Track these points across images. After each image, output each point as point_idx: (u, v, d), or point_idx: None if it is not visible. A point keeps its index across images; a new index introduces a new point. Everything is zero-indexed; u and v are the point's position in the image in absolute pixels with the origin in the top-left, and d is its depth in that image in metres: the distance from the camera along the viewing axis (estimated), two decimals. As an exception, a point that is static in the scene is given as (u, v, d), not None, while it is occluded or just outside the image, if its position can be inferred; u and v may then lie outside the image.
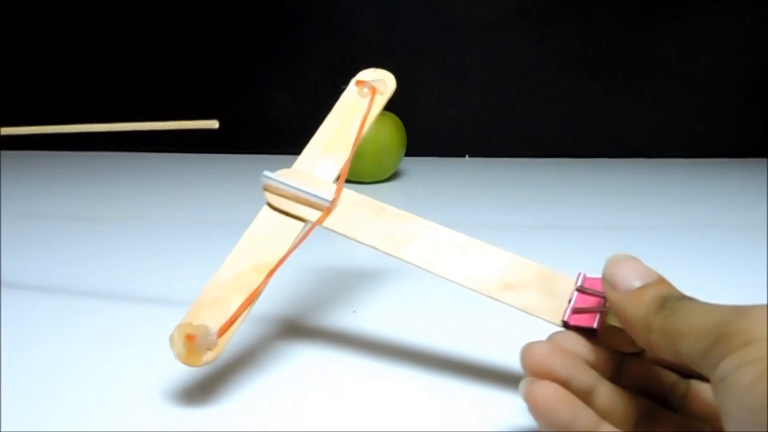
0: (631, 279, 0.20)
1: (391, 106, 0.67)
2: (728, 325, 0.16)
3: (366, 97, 0.29)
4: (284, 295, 0.36)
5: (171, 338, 0.22)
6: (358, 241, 0.25)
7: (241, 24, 0.77)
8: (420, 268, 0.24)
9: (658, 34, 0.78)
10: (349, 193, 0.26)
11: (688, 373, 0.22)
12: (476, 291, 0.23)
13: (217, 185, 0.64)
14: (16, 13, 0.76)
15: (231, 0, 0.76)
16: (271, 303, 0.35)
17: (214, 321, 0.23)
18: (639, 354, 0.22)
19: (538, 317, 0.23)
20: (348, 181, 0.74)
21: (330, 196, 0.26)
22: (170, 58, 0.78)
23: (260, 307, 0.34)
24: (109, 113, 0.80)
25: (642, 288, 0.20)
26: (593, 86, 0.79)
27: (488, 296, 0.23)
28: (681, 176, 0.71)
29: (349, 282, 0.38)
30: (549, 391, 0.19)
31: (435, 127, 0.80)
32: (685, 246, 0.47)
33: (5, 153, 0.74)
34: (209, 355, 0.22)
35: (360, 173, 0.64)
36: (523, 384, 0.20)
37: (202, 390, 0.25)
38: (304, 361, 0.28)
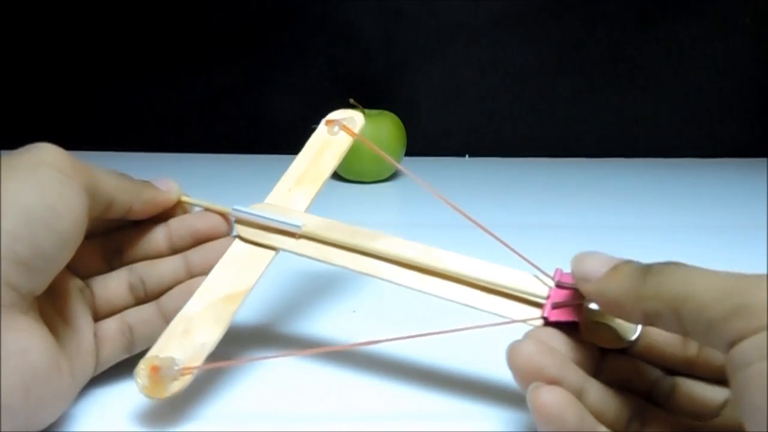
0: (600, 267, 0.20)
1: (391, 106, 0.67)
2: (746, 295, 0.16)
3: (336, 135, 0.31)
4: (285, 295, 0.36)
5: (136, 371, 0.22)
6: (331, 263, 0.26)
7: (241, 24, 0.77)
8: (395, 284, 0.25)
9: (658, 34, 0.78)
10: (319, 219, 0.27)
11: (672, 369, 0.21)
12: (454, 302, 0.24)
13: (217, 185, 0.64)
14: (15, 13, 0.76)
15: (231, 0, 0.76)
16: (273, 303, 0.35)
17: (181, 352, 0.23)
18: (624, 350, 0.22)
19: (518, 321, 0.23)
20: (348, 181, 0.73)
21: (300, 222, 0.26)
22: (170, 57, 0.78)
23: (261, 308, 0.34)
24: (109, 113, 0.80)
25: (614, 267, 0.20)
26: (593, 86, 0.79)
27: (467, 305, 0.23)
28: (681, 176, 0.71)
29: (349, 282, 0.38)
30: (557, 397, 0.19)
31: (435, 127, 0.80)
32: (686, 246, 0.47)
33: (5, 153, 0.74)
34: (175, 386, 0.22)
35: (360, 173, 0.64)
36: (530, 391, 0.19)
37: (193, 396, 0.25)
38: (304, 360, 0.28)
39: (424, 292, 0.24)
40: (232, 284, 0.25)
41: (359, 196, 0.61)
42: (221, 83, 0.79)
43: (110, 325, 0.26)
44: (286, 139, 0.79)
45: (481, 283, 0.23)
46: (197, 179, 0.67)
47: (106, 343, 0.25)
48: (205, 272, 0.26)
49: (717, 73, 0.79)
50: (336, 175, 0.67)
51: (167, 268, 0.27)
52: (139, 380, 0.22)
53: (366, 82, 0.78)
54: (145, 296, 0.27)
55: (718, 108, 0.81)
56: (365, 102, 0.65)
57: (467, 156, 0.80)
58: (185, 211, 0.29)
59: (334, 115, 0.32)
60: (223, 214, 0.28)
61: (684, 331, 0.17)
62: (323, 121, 0.31)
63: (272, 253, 0.27)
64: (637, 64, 0.79)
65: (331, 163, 0.30)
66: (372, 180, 0.65)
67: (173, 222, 0.28)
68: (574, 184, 0.67)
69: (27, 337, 0.20)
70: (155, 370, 0.22)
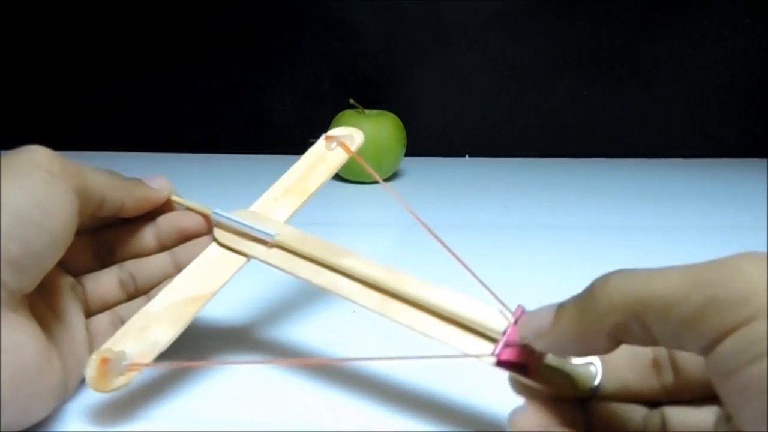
0: (547, 318, 0.19)
1: (391, 106, 0.67)
2: (717, 285, 0.14)
3: (332, 150, 0.31)
4: (285, 296, 0.36)
5: (88, 362, 0.22)
6: (296, 276, 0.25)
7: (241, 24, 0.77)
8: (355, 303, 0.24)
9: (658, 34, 0.78)
10: (295, 231, 0.27)
11: (655, 402, 0.20)
12: (410, 328, 0.23)
13: (217, 185, 0.64)
14: (15, 13, 0.76)
15: (231, 0, 0.76)
16: (273, 303, 0.35)
17: (133, 348, 0.23)
18: (592, 397, 0.20)
19: (469, 355, 0.22)
20: (348, 181, 0.73)
21: (273, 232, 0.27)
22: (170, 57, 0.78)
23: (261, 308, 0.34)
24: (108, 113, 0.80)
25: (558, 309, 0.18)
26: (593, 86, 0.79)
27: (422, 333, 0.22)
28: (681, 176, 0.71)
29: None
30: None
31: (435, 127, 0.80)
32: (686, 246, 0.47)
33: (5, 153, 0.74)
34: (119, 381, 0.22)
35: (360, 173, 0.64)
36: None
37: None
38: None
39: (381, 315, 0.23)
40: (198, 287, 0.26)
41: (359, 196, 0.61)
42: (221, 83, 0.79)
43: (102, 319, 0.27)
44: (286, 139, 0.80)
45: (441, 312, 0.23)
46: (196, 179, 0.67)
47: (99, 336, 0.26)
48: None
49: (717, 73, 0.79)
50: (336, 175, 0.67)
51: (156, 264, 0.28)
52: (87, 371, 0.22)
53: (366, 82, 0.78)
54: (135, 292, 0.28)
55: (718, 108, 0.81)
56: (365, 102, 0.65)
57: (467, 156, 0.80)
58: (173, 209, 0.29)
59: (334, 132, 0.32)
60: (204, 216, 0.28)
61: (653, 339, 0.16)
62: (323, 137, 0.32)
63: (243, 259, 0.27)
64: (637, 64, 0.79)
65: (321, 178, 0.30)
66: (372, 180, 0.65)
67: (161, 219, 0.29)
68: (574, 184, 0.67)
69: (17, 334, 0.21)
70: (104, 362, 0.22)
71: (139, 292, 0.28)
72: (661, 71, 0.79)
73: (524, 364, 0.20)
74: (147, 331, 0.24)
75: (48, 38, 0.77)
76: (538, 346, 0.19)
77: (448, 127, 0.81)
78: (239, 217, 0.28)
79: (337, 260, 0.25)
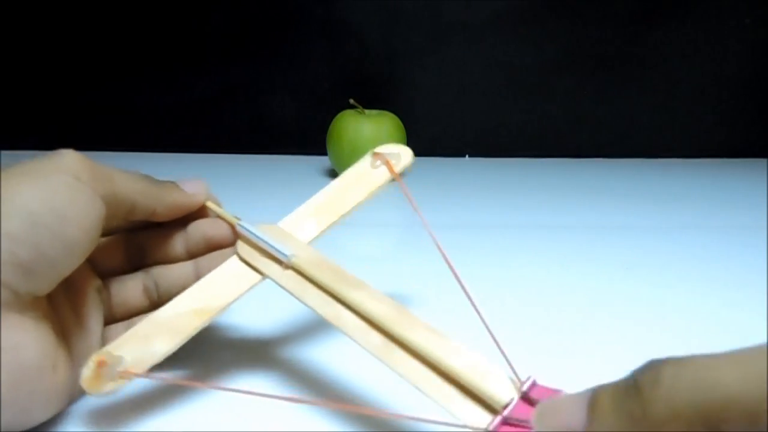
0: (575, 411, 0.16)
1: (391, 106, 0.67)
2: None
3: (377, 168, 0.29)
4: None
5: (87, 361, 0.22)
6: (304, 302, 0.24)
7: (241, 24, 0.77)
8: (355, 342, 0.22)
9: (658, 34, 0.78)
10: (314, 254, 0.26)
11: None
12: (406, 380, 0.21)
13: (216, 185, 0.64)
14: (15, 13, 0.76)
15: (231, 0, 0.76)
16: (275, 303, 0.35)
17: (132, 355, 0.23)
18: None
19: (458, 424, 0.19)
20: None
21: (290, 252, 0.25)
22: (170, 57, 0.78)
23: (265, 309, 0.34)
24: (109, 113, 0.80)
25: (593, 403, 0.15)
26: (593, 86, 0.79)
27: (418, 389, 0.20)
28: (681, 176, 0.71)
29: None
30: None
31: (435, 127, 0.80)
32: (686, 246, 0.47)
33: (5, 153, 0.74)
34: (109, 386, 0.22)
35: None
36: None
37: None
38: (306, 358, 0.28)
39: (380, 360, 0.21)
40: (207, 300, 0.25)
41: (359, 196, 0.61)
42: (221, 83, 0.79)
43: (120, 328, 0.26)
44: (287, 139, 0.80)
45: (444, 369, 0.20)
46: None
47: None
48: None
49: (717, 73, 0.79)
50: (336, 176, 0.67)
51: (179, 273, 0.28)
52: (84, 370, 0.22)
53: (366, 82, 0.78)
54: (158, 300, 0.27)
55: (718, 108, 0.81)
56: (365, 102, 0.65)
57: (467, 156, 0.80)
58: (206, 215, 0.29)
59: (381, 149, 0.30)
60: (230, 224, 0.28)
61: None
62: (370, 152, 0.30)
63: (258, 278, 0.26)
64: (637, 64, 0.79)
65: (357, 198, 0.28)
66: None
67: (191, 226, 0.28)
68: (574, 184, 0.67)
69: (20, 334, 0.21)
70: (101, 364, 0.22)
71: (161, 301, 0.27)
72: (660, 71, 0.79)
73: None
74: (149, 339, 0.23)
75: (48, 38, 0.77)
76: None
77: (448, 127, 0.81)
78: (262, 231, 0.26)
79: (348, 292, 0.23)
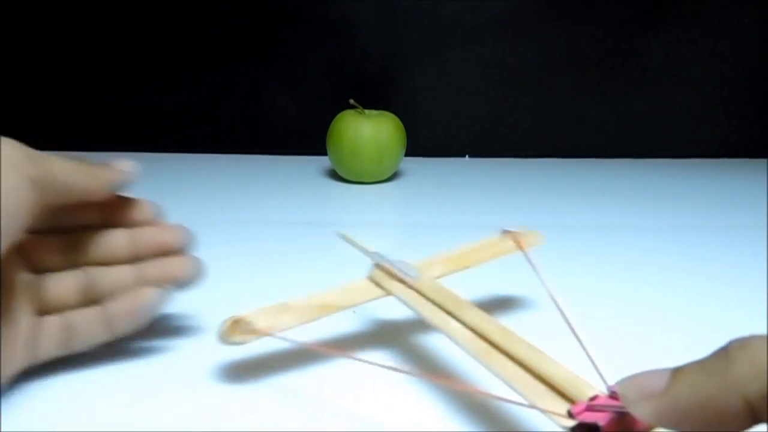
0: (658, 380, 0.16)
1: (391, 106, 0.67)
2: None
3: (506, 241, 0.33)
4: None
5: (225, 320, 0.26)
6: (417, 312, 0.27)
7: (241, 24, 0.77)
8: (458, 345, 0.25)
9: (658, 34, 0.78)
10: (437, 282, 0.29)
11: None
12: (503, 380, 0.22)
13: (216, 185, 0.64)
14: (15, 13, 0.76)
15: (231, 0, 0.76)
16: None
17: (261, 323, 0.26)
18: None
19: (538, 407, 0.20)
20: (348, 181, 0.73)
21: (416, 274, 0.29)
22: (169, 57, 0.78)
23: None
24: (108, 113, 0.80)
25: (676, 371, 0.16)
26: (593, 86, 0.79)
27: (511, 387, 0.22)
28: (681, 176, 0.71)
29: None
30: None
31: (435, 127, 0.80)
32: (686, 246, 0.47)
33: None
34: (239, 338, 0.26)
35: (360, 173, 0.64)
36: None
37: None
38: (305, 359, 0.28)
39: (479, 361, 0.24)
40: (335, 300, 0.29)
41: (359, 196, 0.61)
42: (221, 83, 0.79)
43: (53, 320, 0.27)
44: (286, 139, 0.80)
45: (538, 372, 0.22)
46: (197, 179, 0.67)
47: (44, 337, 0.26)
48: (158, 285, 0.27)
49: (717, 73, 0.79)
50: (336, 176, 0.67)
51: (120, 275, 0.28)
52: (221, 327, 0.25)
53: (366, 82, 0.78)
54: (94, 300, 0.28)
55: (718, 108, 0.81)
56: (365, 102, 0.65)
57: (467, 156, 0.80)
58: (156, 224, 0.30)
59: (513, 229, 0.33)
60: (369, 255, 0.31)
61: None
62: (501, 231, 0.33)
63: (382, 293, 0.30)
64: (637, 64, 0.79)
65: (481, 258, 0.32)
66: (372, 180, 0.65)
67: (141, 230, 0.29)
68: (574, 184, 0.67)
69: None
70: (236, 323, 0.25)
71: (96, 300, 0.27)
72: (660, 71, 0.79)
73: (596, 425, 0.17)
74: (277, 315, 0.27)
75: (48, 38, 0.77)
76: (643, 411, 0.16)
77: (448, 127, 0.81)
78: (397, 262, 0.30)
79: (461, 310, 0.26)
